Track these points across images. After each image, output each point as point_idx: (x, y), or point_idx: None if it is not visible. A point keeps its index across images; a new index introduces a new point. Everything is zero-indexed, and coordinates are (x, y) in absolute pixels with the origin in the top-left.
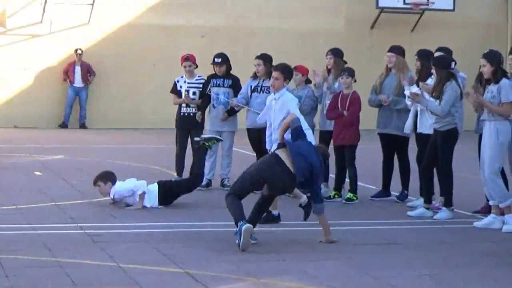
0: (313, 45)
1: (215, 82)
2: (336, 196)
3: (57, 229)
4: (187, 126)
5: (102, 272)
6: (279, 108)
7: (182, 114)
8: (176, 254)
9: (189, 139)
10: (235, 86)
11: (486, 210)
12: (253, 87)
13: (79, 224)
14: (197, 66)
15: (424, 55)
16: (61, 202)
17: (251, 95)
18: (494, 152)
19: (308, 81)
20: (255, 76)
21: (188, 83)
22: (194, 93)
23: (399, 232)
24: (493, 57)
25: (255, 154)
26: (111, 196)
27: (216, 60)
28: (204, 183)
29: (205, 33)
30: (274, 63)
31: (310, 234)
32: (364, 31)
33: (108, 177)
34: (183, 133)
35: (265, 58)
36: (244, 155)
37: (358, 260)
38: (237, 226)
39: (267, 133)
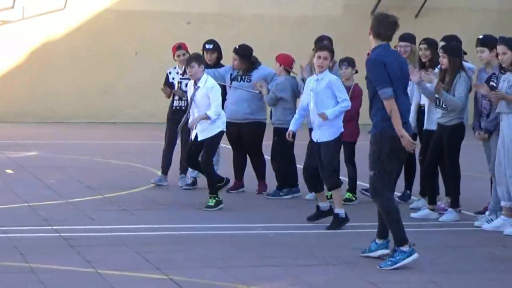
0: (309, 32)
1: None
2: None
3: (30, 232)
4: (179, 121)
5: (79, 278)
6: (322, 89)
7: (174, 108)
8: (159, 259)
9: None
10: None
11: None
12: (233, 75)
13: (54, 227)
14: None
15: (432, 44)
16: (34, 202)
17: (231, 83)
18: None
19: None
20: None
21: (181, 74)
22: (187, 85)
23: None
24: None
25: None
26: (199, 81)
27: (207, 46)
28: (189, 181)
29: (191, 19)
30: (269, 51)
31: (305, 238)
32: (364, 17)
33: (202, 60)
34: (174, 129)
35: (239, 53)
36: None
37: (357, 265)
38: (398, 246)
39: (297, 115)
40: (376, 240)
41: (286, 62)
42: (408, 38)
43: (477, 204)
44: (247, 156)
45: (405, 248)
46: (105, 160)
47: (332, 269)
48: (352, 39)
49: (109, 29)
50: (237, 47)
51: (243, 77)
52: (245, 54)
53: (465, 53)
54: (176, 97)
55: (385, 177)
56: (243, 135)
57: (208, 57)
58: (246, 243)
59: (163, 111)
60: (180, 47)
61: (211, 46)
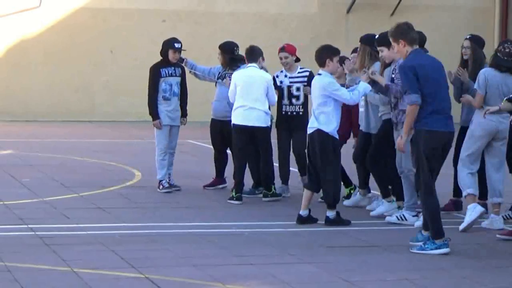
0: (284, 30)
1: (167, 71)
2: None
3: (5, 231)
4: (290, 127)
5: (54, 277)
6: None
7: (284, 113)
8: (135, 257)
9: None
10: (184, 74)
11: (450, 208)
12: (220, 74)
13: (29, 226)
14: (298, 59)
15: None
16: (9, 201)
17: (216, 81)
18: (465, 139)
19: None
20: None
21: (290, 77)
22: (298, 89)
23: (377, 233)
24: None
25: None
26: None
27: (177, 45)
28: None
29: (166, 17)
30: (244, 49)
31: (281, 236)
32: (340, 15)
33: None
34: (286, 134)
35: (223, 48)
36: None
37: (332, 263)
38: (433, 239)
39: None
40: (422, 232)
41: None
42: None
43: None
44: (228, 154)
45: (438, 241)
46: (81, 158)
47: (308, 267)
48: (328, 37)
49: (84, 27)
50: (223, 42)
51: (226, 75)
52: (225, 49)
53: (427, 51)
54: (287, 102)
55: (422, 173)
56: (224, 132)
57: (176, 57)
58: (222, 241)
59: (138, 109)
60: (283, 48)
61: (180, 46)
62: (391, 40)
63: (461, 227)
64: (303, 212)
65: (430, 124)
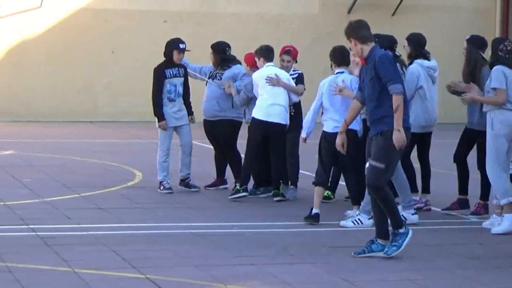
0: (286, 31)
1: (171, 72)
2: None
3: (6, 231)
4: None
5: (56, 278)
6: None
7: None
8: (136, 258)
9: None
10: (187, 74)
11: (456, 207)
12: (211, 73)
13: (30, 226)
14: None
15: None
16: (11, 201)
17: (207, 80)
18: (487, 143)
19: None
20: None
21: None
22: None
23: None
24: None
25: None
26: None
27: (181, 46)
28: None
29: (167, 18)
30: (246, 50)
31: (282, 236)
32: (341, 15)
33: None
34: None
35: (215, 48)
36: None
37: (334, 264)
38: (398, 229)
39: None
40: (379, 241)
41: (250, 62)
42: None
43: (445, 201)
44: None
45: (402, 229)
46: (82, 158)
47: (309, 268)
48: (329, 37)
49: (86, 27)
50: (215, 42)
51: (217, 75)
52: (217, 49)
53: (428, 53)
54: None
55: (391, 169)
56: (215, 132)
57: (180, 58)
58: (223, 241)
59: (140, 110)
60: (289, 52)
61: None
62: (346, 38)
63: (494, 230)
64: (318, 210)
65: (407, 120)
